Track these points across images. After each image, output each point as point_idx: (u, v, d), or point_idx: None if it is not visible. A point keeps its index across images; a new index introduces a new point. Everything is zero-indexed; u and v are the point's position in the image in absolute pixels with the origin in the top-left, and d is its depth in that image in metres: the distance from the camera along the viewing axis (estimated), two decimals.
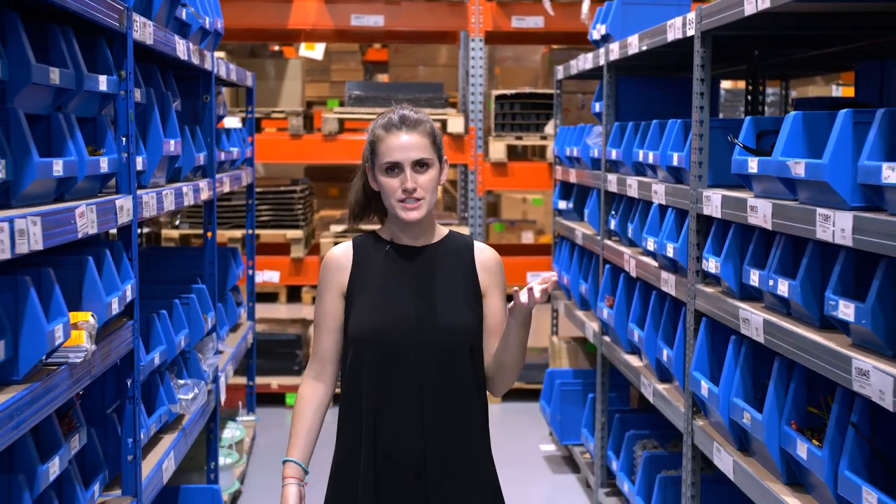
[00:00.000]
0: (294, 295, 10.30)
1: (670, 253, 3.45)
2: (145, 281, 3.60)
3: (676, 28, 3.40)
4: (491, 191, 10.41)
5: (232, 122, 7.01)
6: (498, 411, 6.29)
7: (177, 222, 7.30)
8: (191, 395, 3.80)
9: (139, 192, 3.13)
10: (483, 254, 2.52)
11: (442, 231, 2.53)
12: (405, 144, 2.38)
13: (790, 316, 2.64)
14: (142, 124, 3.40)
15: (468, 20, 7.01)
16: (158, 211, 3.35)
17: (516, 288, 2.35)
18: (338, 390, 2.55)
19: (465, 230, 7.09)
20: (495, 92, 7.24)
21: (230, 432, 5.27)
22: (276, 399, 6.70)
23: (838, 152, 2.25)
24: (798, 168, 2.40)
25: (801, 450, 2.43)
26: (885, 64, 3.40)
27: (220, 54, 7.91)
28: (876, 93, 3.45)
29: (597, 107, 4.91)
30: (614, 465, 4.45)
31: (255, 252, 6.13)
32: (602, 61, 4.64)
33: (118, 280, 2.87)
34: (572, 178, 5.39)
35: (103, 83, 2.82)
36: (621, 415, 4.62)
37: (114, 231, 3.18)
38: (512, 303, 2.35)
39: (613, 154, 4.37)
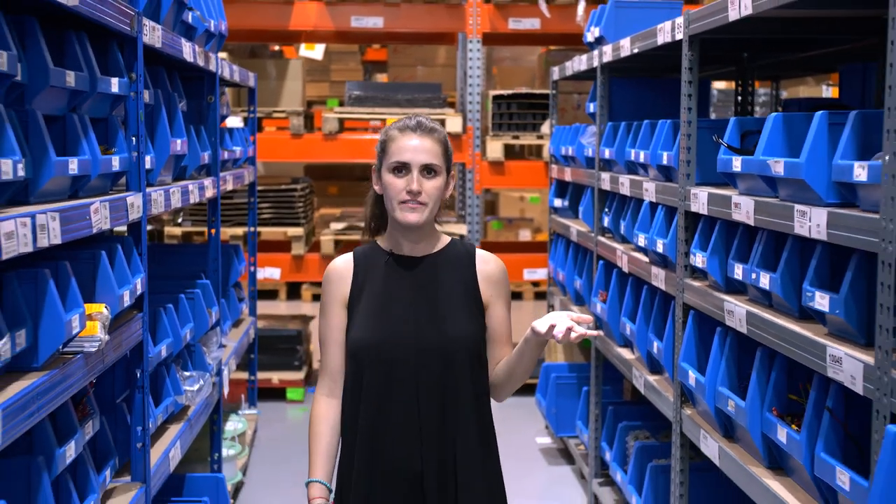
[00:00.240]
0: (294, 292, 10.42)
1: (660, 249, 3.57)
2: (151, 276, 3.71)
3: (666, 32, 3.52)
4: (489, 189, 10.53)
5: (234, 121, 7.13)
6: (495, 405, 6.38)
7: (179, 220, 7.41)
8: (196, 387, 3.91)
9: (148, 189, 3.26)
10: (486, 264, 2.48)
11: (444, 240, 2.50)
12: (416, 147, 2.37)
13: (772, 308, 2.77)
14: (150, 124, 3.52)
15: (466, 22, 7.14)
16: (166, 208, 3.47)
17: (554, 320, 2.24)
18: None
19: (463, 228, 7.21)
20: (493, 92, 7.36)
21: (233, 425, 5.39)
22: (276, 394, 6.82)
23: (814, 152, 2.37)
24: (777, 167, 2.52)
25: (781, 434, 2.56)
26: (867, 66, 3.52)
27: (221, 55, 8.03)
28: (858, 94, 3.58)
29: (591, 107, 5.03)
30: (608, 456, 4.58)
31: (256, 249, 6.26)
32: (596, 63, 4.77)
33: (129, 273, 3.00)
34: (567, 177, 5.51)
35: (115, 85, 2.94)
36: (615, 407, 4.74)
37: (119, 228, 3.30)
38: (543, 329, 2.25)
39: (607, 153, 4.49)
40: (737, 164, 2.84)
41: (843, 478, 2.19)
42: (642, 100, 4.86)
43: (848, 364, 2.16)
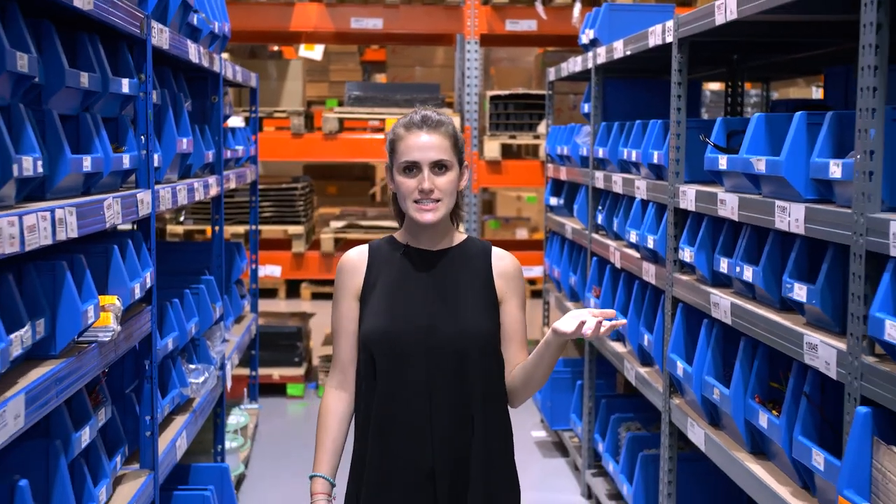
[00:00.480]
0: (293, 291, 10.53)
1: (650, 244, 3.70)
2: (156, 273, 3.83)
3: (656, 35, 3.64)
4: (486, 188, 10.65)
5: (235, 121, 7.24)
6: None
7: (181, 218, 7.53)
8: (201, 379, 4.02)
9: (156, 186, 3.37)
10: (501, 261, 2.45)
11: (460, 236, 2.48)
12: (424, 144, 2.33)
13: (755, 300, 2.89)
14: (157, 124, 3.63)
15: (464, 23, 7.26)
16: (173, 205, 3.59)
17: (575, 316, 2.21)
18: None
19: (460, 227, 7.31)
20: (490, 92, 7.48)
21: (235, 418, 5.50)
22: (277, 389, 6.94)
23: (794, 150, 2.50)
24: (759, 165, 2.65)
25: (762, 420, 2.68)
26: (850, 69, 3.64)
27: (223, 55, 8.14)
28: (842, 95, 3.70)
29: (585, 107, 5.15)
30: (600, 447, 4.70)
31: (258, 247, 6.38)
32: (590, 64, 4.89)
33: (139, 267, 3.11)
34: (563, 176, 5.64)
35: (125, 86, 3.06)
36: (607, 400, 4.87)
37: (124, 226, 3.41)
38: (569, 328, 2.21)
39: (600, 152, 4.62)
40: (723, 162, 2.96)
41: (819, 458, 2.31)
42: (636, 100, 4.98)
43: (823, 351, 2.29)
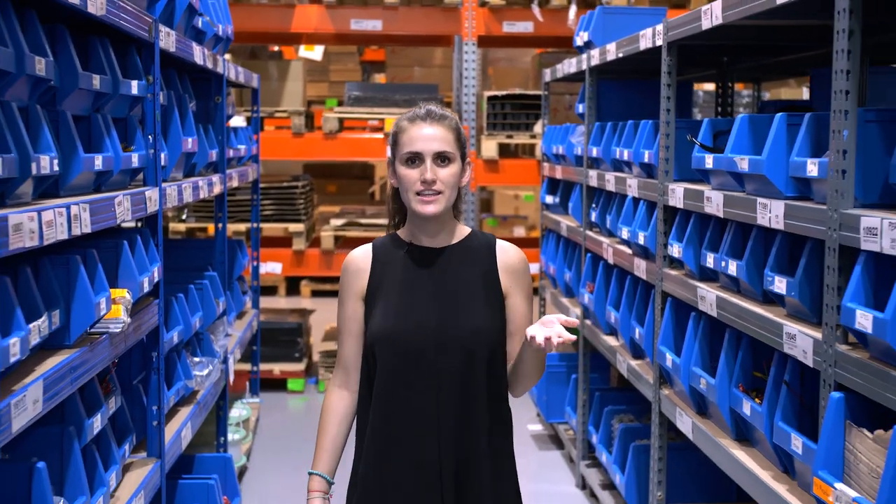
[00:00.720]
0: (293, 288, 10.65)
1: (641, 241, 3.81)
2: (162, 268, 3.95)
3: (647, 38, 3.76)
4: (484, 187, 10.76)
5: (237, 121, 7.36)
6: None
7: (184, 216, 7.65)
8: (205, 372, 4.14)
9: (163, 184, 3.49)
10: (506, 254, 2.42)
11: (463, 231, 2.46)
12: (428, 136, 2.33)
13: (739, 293, 3.01)
14: (163, 124, 3.75)
15: (462, 25, 7.38)
16: (179, 202, 3.70)
17: (539, 325, 2.19)
18: None
19: None
20: (487, 93, 7.59)
21: (237, 411, 5.62)
22: (278, 384, 7.06)
23: (774, 150, 2.62)
24: (743, 163, 2.77)
25: (746, 408, 2.80)
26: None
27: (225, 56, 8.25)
28: (827, 96, 3.80)
29: (580, 108, 5.26)
30: (594, 439, 4.82)
31: (259, 244, 6.50)
32: (585, 66, 5.00)
33: (147, 262, 3.23)
34: (558, 175, 5.75)
35: (134, 87, 3.17)
36: (601, 393, 4.98)
37: (127, 224, 3.52)
38: (529, 337, 2.19)
39: (594, 152, 4.73)
40: (709, 161, 3.08)
41: (797, 443, 2.43)
42: (629, 101, 5.08)
43: (801, 340, 2.41)
